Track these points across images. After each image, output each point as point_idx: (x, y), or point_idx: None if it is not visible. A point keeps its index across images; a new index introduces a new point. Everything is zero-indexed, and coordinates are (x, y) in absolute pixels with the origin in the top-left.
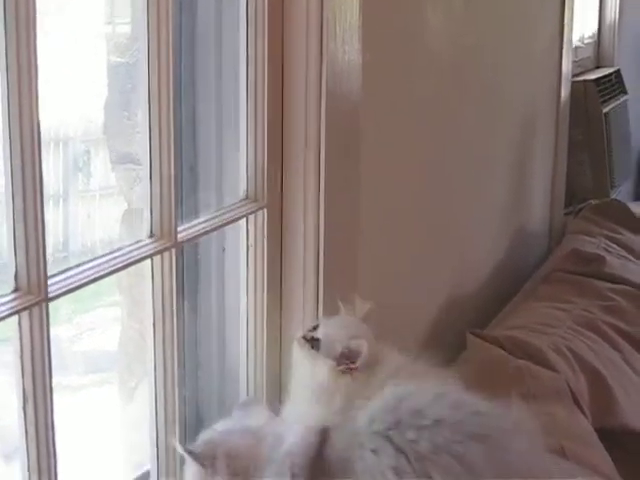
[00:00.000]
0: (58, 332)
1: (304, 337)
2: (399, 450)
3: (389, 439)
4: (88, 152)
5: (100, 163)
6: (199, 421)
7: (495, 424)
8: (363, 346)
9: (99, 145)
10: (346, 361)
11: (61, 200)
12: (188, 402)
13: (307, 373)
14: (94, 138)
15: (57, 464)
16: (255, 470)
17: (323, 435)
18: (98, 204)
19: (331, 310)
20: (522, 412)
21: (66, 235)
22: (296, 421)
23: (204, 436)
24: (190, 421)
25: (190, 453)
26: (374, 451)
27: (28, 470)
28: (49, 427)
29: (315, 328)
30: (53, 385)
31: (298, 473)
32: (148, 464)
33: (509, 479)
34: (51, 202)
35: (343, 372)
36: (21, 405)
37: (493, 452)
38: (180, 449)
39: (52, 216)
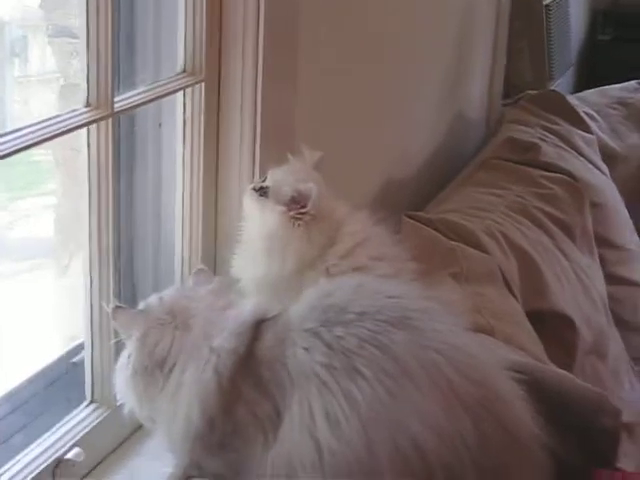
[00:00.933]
0: None
1: (253, 188)
2: (328, 346)
3: (319, 336)
4: (25, 37)
5: (37, 48)
6: (134, 294)
7: (410, 305)
8: (312, 189)
9: (36, 30)
10: (296, 206)
11: None
12: (123, 275)
13: (258, 224)
14: (31, 24)
15: None
16: (177, 356)
17: (255, 331)
18: (35, 90)
19: None
20: (449, 291)
21: (3, 121)
22: (247, 275)
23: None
24: (125, 294)
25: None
26: (305, 349)
27: None
28: None
29: (264, 179)
30: None
31: (222, 371)
32: (82, 337)
33: (429, 359)
34: None
35: (294, 218)
36: None
37: (412, 336)
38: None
39: None
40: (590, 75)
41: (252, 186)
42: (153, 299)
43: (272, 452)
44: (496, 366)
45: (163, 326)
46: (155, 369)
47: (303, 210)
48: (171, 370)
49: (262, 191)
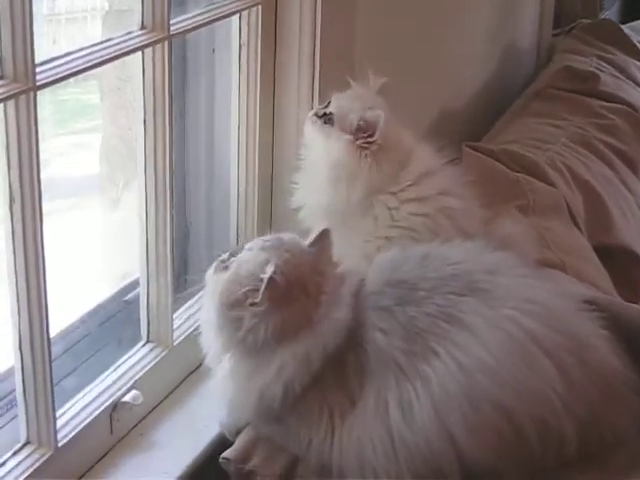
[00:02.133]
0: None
1: (316, 114)
2: (405, 329)
3: (394, 316)
4: None
5: None
6: (186, 227)
7: (475, 268)
8: (380, 117)
9: None
10: (363, 134)
11: None
12: (176, 208)
13: (322, 152)
14: None
15: (45, 267)
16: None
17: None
18: (64, 28)
19: None
20: (512, 224)
21: None
22: (310, 204)
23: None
24: (178, 227)
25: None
26: (384, 332)
27: (15, 272)
28: (37, 227)
29: (327, 105)
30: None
31: (329, 349)
32: (134, 274)
33: (502, 317)
34: None
35: (362, 147)
36: (7, 204)
37: (481, 299)
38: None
39: None
40: (637, 6)
41: (314, 112)
42: (290, 267)
43: (339, 437)
44: (573, 310)
45: (297, 305)
46: (270, 341)
47: (371, 139)
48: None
49: (326, 118)
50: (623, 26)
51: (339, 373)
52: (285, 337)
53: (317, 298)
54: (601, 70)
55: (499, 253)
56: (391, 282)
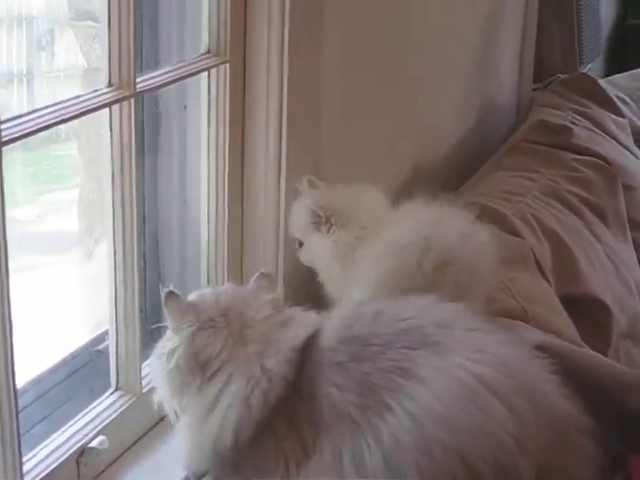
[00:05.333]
0: (17, 214)
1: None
2: (358, 384)
3: (349, 373)
4: (52, 31)
5: (64, 43)
6: (159, 280)
7: (425, 322)
8: None
9: (63, 25)
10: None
11: (25, 80)
12: (148, 261)
13: None
14: (58, 17)
15: (12, 320)
16: (224, 365)
17: (302, 357)
18: (62, 84)
19: (294, 165)
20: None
21: None
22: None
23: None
24: (151, 280)
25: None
26: (338, 387)
27: None
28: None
29: None
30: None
31: (270, 399)
32: (107, 324)
33: (452, 365)
34: (15, 82)
35: None
36: None
37: (432, 351)
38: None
39: (16, 96)
40: (620, 60)
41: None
42: (208, 295)
43: None
44: (524, 357)
45: (216, 330)
46: (197, 370)
47: None
48: (213, 376)
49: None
50: (602, 80)
51: (292, 423)
52: (209, 369)
53: (241, 331)
54: (575, 124)
55: (450, 306)
56: (345, 339)
